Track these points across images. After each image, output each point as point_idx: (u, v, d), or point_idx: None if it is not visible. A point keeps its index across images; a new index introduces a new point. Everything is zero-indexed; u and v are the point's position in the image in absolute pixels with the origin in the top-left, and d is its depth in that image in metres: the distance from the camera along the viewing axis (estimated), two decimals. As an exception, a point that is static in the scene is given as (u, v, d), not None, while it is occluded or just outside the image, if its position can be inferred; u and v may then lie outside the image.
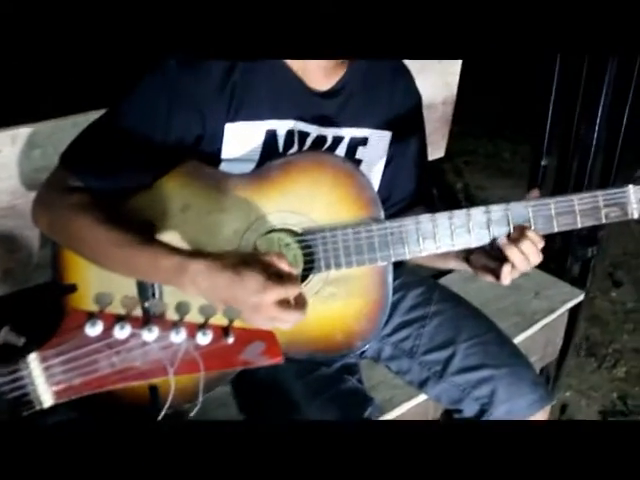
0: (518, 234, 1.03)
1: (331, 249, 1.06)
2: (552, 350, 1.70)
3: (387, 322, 1.29)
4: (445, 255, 1.10)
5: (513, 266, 1.02)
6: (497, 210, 1.04)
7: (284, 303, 0.93)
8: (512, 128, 4.17)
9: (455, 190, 3.58)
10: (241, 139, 1.11)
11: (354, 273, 1.07)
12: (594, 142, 1.73)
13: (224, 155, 1.11)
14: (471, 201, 3.46)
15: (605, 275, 2.91)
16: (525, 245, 1.01)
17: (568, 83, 1.80)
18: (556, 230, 1.04)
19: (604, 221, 1.05)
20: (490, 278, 1.08)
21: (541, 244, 1.02)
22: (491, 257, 1.07)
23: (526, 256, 1.01)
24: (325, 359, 1.13)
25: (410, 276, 1.36)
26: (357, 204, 1.07)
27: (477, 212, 1.04)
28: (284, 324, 0.95)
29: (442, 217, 1.04)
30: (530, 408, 1.20)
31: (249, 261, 0.95)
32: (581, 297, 1.64)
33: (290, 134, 1.13)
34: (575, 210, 1.04)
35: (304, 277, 1.07)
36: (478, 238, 1.05)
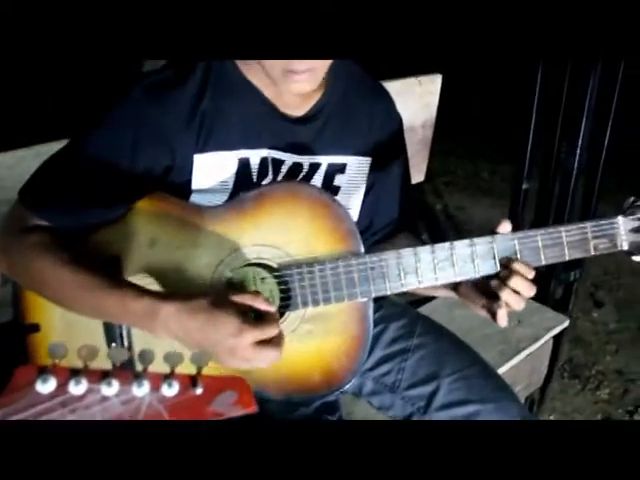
0: (508, 272, 0.98)
1: (308, 285, 1.00)
2: (537, 378, 1.66)
3: (368, 356, 1.24)
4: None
5: (508, 306, 0.98)
6: (482, 243, 1.00)
7: (261, 343, 0.89)
8: (492, 148, 4.19)
9: (435, 211, 3.56)
10: (212, 169, 1.06)
11: (332, 309, 1.02)
12: (575, 166, 1.70)
13: (195, 186, 1.06)
14: (452, 222, 3.45)
15: (587, 296, 2.90)
16: (516, 282, 0.97)
17: (549, 106, 1.78)
18: (543, 263, 1.00)
19: (592, 253, 1.01)
20: (482, 313, 1.04)
21: (532, 275, 0.98)
22: (480, 290, 1.03)
23: (519, 292, 0.97)
24: (303, 400, 1.07)
25: (391, 307, 1.31)
26: (335, 237, 1.02)
27: (461, 245, 1.00)
28: (260, 364, 0.91)
29: (424, 251, 1.00)
30: (518, 446, 1.15)
31: (224, 302, 0.91)
32: (565, 323, 1.61)
33: (264, 163, 1.08)
34: (563, 242, 1.00)
35: (280, 314, 1.02)
36: (462, 272, 1.00)
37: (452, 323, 1.38)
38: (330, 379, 1.03)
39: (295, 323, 1.03)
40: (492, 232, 1.00)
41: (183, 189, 1.05)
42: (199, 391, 0.72)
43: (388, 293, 1.01)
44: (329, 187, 1.16)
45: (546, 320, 1.61)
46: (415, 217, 1.31)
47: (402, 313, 1.31)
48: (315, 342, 1.03)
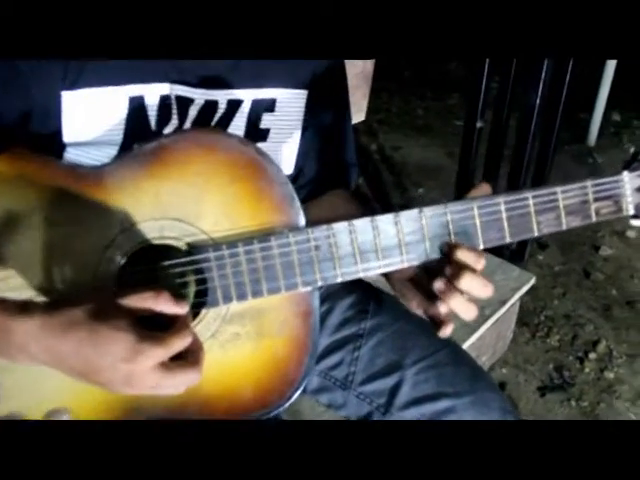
0: (453, 266, 0.75)
1: (231, 273, 0.74)
2: (502, 344, 1.46)
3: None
4: None
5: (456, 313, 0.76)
6: (458, 210, 0.75)
7: (170, 363, 0.66)
8: (425, 84, 3.98)
9: (370, 152, 3.32)
10: (90, 113, 0.77)
11: (265, 304, 0.76)
12: (537, 102, 1.47)
13: (67, 137, 0.78)
14: (388, 163, 3.22)
15: (530, 238, 2.77)
16: (465, 280, 0.74)
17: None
18: (536, 234, 0.77)
19: (594, 219, 0.79)
20: (418, 312, 0.82)
21: (481, 264, 0.75)
22: (414, 283, 0.81)
23: (472, 294, 0.75)
24: (232, 422, 0.82)
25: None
26: (265, 205, 0.75)
27: (433, 212, 0.75)
28: (172, 390, 0.68)
29: (385, 221, 0.74)
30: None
31: (110, 308, 0.64)
32: (532, 281, 1.41)
33: (165, 102, 0.81)
34: (559, 206, 0.77)
35: (194, 314, 0.75)
36: (437, 249, 0.76)
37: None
38: (266, 396, 0.78)
39: (215, 325, 0.76)
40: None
41: (51, 142, 0.77)
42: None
43: (339, 281, 0.75)
44: (255, 131, 0.89)
45: (511, 279, 1.40)
46: (356, 169, 1.06)
47: (350, 288, 1.06)
48: (244, 349, 0.77)
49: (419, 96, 3.91)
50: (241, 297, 0.74)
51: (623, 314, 2.44)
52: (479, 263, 0.74)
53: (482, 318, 1.29)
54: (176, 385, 0.67)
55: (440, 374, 0.96)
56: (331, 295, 1.04)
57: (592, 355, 2.26)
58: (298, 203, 0.76)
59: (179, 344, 0.66)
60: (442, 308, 0.77)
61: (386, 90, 3.84)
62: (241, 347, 0.77)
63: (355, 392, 0.99)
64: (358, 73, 1.56)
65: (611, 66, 3.13)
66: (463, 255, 0.74)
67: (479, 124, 1.61)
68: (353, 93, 1.47)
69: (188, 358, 0.68)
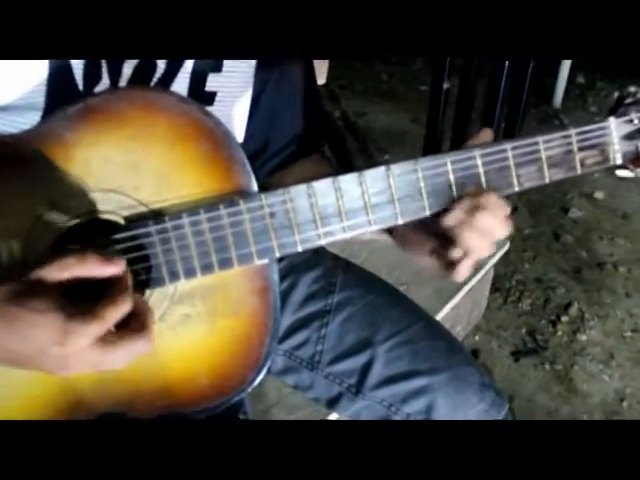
0: (471, 204, 0.67)
1: (176, 247, 0.65)
2: (477, 313, 1.40)
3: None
4: None
5: (468, 253, 0.67)
6: (431, 165, 0.67)
7: (113, 335, 0.59)
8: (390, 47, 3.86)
9: (333, 119, 3.22)
10: (6, 74, 0.67)
11: (217, 281, 0.68)
12: (506, 65, 1.39)
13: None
14: (352, 130, 3.12)
15: (501, 201, 2.73)
16: (484, 220, 0.66)
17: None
18: (516, 189, 0.70)
19: (579, 171, 0.71)
20: (427, 262, 0.72)
21: (506, 210, 0.67)
22: (427, 229, 0.72)
23: (488, 235, 0.66)
24: (187, 413, 0.73)
25: (300, 254, 0.97)
26: (212, 170, 0.66)
27: (401, 169, 0.67)
28: (120, 365, 0.60)
29: (349, 181, 0.66)
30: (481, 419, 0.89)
31: (29, 288, 0.55)
32: (506, 247, 1.34)
33: (93, 61, 0.70)
34: (541, 157, 0.69)
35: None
36: (407, 210, 0.67)
37: (374, 258, 1.07)
38: (225, 381, 0.70)
39: (162, 306, 0.68)
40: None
41: None
42: None
43: (300, 249, 0.67)
44: (200, 94, 0.79)
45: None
46: (327, 134, 0.96)
47: (315, 259, 0.98)
48: (196, 331, 0.68)
49: (383, 60, 3.81)
50: (189, 273, 0.66)
51: (593, 276, 2.42)
52: (504, 208, 0.68)
53: (456, 287, 1.22)
54: (122, 359, 0.59)
55: (414, 350, 0.89)
56: (294, 269, 0.96)
57: (564, 318, 2.24)
58: (249, 166, 0.67)
59: (115, 313, 0.58)
60: (456, 252, 0.69)
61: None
62: (193, 330, 0.68)
63: (323, 372, 0.92)
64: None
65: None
66: (487, 196, 0.67)
67: (446, 85, 1.52)
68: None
69: (131, 325, 0.59)
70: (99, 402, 0.68)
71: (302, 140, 0.91)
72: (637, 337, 2.18)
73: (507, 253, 2.48)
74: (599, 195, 2.84)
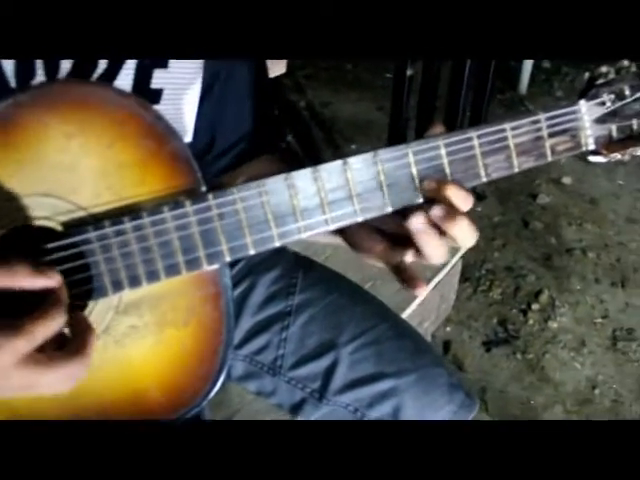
0: (443, 211, 0.61)
1: (119, 255, 0.60)
2: (446, 308, 1.37)
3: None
4: None
5: (425, 260, 0.62)
6: (392, 157, 0.62)
7: (39, 357, 0.52)
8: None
9: (298, 109, 3.17)
10: None
11: (165, 289, 0.62)
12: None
13: None
14: (318, 120, 3.07)
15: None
16: (451, 228, 0.61)
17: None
18: (484, 180, 0.66)
19: (549, 158, 0.67)
20: (378, 264, 0.68)
21: (469, 203, 0.63)
22: (379, 230, 0.67)
23: (451, 236, 0.62)
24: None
25: (258, 254, 0.92)
26: (155, 170, 0.61)
27: (360, 163, 0.62)
28: (54, 389, 0.54)
29: (303, 177, 0.61)
30: (450, 422, 0.85)
31: None
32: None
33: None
34: (509, 145, 0.65)
35: (80, 308, 0.61)
36: (368, 207, 0.63)
37: (339, 256, 1.03)
38: (177, 395, 0.65)
39: (106, 318, 0.62)
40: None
41: None
42: None
43: (252, 252, 0.62)
44: (145, 92, 0.74)
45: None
46: (280, 130, 0.91)
47: (274, 259, 0.93)
48: (144, 344, 0.63)
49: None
50: (134, 282, 0.60)
51: (563, 262, 2.43)
52: (466, 201, 0.62)
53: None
54: (55, 382, 0.53)
55: (379, 351, 0.85)
56: (252, 270, 0.91)
57: (535, 306, 2.24)
58: (195, 164, 0.62)
59: (45, 329, 0.52)
60: (408, 255, 0.64)
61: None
62: (141, 342, 0.63)
63: (285, 377, 0.88)
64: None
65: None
66: (452, 188, 0.61)
67: (409, 72, 1.48)
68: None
69: (67, 345, 0.54)
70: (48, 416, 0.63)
71: (253, 138, 0.85)
72: (607, 323, 2.19)
73: (476, 242, 2.48)
74: (567, 180, 2.84)
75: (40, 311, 0.53)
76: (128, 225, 0.59)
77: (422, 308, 1.18)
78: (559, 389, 1.98)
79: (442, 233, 0.61)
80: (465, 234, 0.60)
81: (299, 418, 0.91)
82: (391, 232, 0.65)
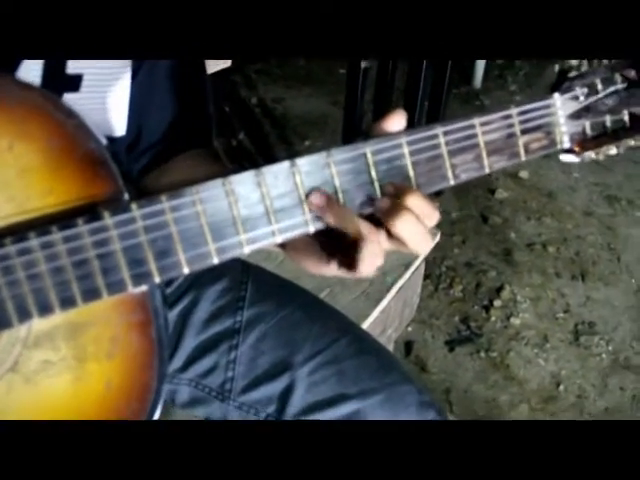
0: (393, 205, 0.54)
1: (24, 278, 0.50)
2: (409, 312, 1.30)
3: (174, 349, 0.77)
4: None
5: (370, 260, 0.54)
6: (347, 156, 0.54)
7: None
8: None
9: (250, 106, 3.06)
10: None
11: (84, 318, 0.53)
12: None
13: None
14: (271, 116, 2.98)
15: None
16: (405, 222, 0.53)
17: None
18: (451, 183, 0.58)
19: (523, 158, 0.60)
20: (321, 269, 0.60)
21: (434, 215, 0.55)
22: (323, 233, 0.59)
23: (404, 242, 0.54)
24: None
25: None
26: (65, 174, 0.51)
27: (309, 164, 0.53)
28: None
29: (246, 181, 0.52)
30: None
31: None
32: (437, 238, 1.24)
33: None
34: (479, 143, 0.57)
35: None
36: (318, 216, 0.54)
37: (288, 271, 0.94)
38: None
39: (14, 353, 0.52)
40: (366, 135, 0.54)
41: None
42: None
43: (186, 271, 0.53)
44: (59, 78, 0.64)
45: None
46: (211, 123, 0.81)
47: (220, 270, 0.84)
48: (61, 381, 0.53)
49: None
50: (45, 310, 0.50)
51: (524, 257, 2.40)
52: (429, 210, 0.54)
53: (385, 287, 1.11)
54: None
55: (340, 370, 0.77)
56: (195, 283, 0.82)
57: (497, 302, 2.21)
58: (116, 169, 0.52)
59: None
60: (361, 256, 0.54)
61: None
62: (57, 379, 0.53)
63: (236, 402, 0.79)
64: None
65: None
66: (413, 196, 0.54)
67: (364, 64, 1.41)
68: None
69: None
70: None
71: (180, 132, 0.76)
72: (569, 318, 2.17)
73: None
74: (524, 174, 2.82)
75: None
76: (35, 242, 0.49)
77: (384, 315, 1.11)
78: (524, 387, 1.95)
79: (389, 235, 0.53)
80: (418, 236, 0.52)
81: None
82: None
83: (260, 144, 2.72)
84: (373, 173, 0.54)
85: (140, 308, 0.54)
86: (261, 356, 0.78)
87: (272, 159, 0.53)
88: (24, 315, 0.51)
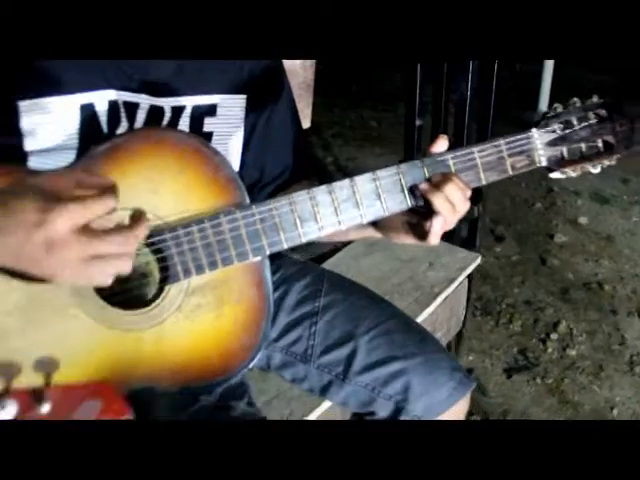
0: (440, 177, 0.85)
1: (187, 250, 0.82)
2: (456, 321, 1.56)
3: (272, 325, 1.08)
4: None
5: (440, 216, 0.85)
6: (387, 175, 0.85)
7: (92, 229, 0.68)
8: (373, 96, 4.07)
9: (326, 165, 3.41)
10: (47, 121, 0.84)
11: (222, 276, 0.85)
12: (468, 93, 1.59)
13: (29, 146, 0.84)
14: (344, 173, 3.31)
15: (487, 232, 2.88)
16: (450, 189, 0.84)
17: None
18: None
19: (510, 173, 0.89)
20: (409, 239, 0.90)
21: (468, 191, 0.85)
22: (405, 213, 0.89)
23: (453, 204, 0.84)
24: (202, 389, 0.90)
25: (291, 267, 1.15)
26: (212, 189, 0.84)
27: (363, 181, 0.85)
28: (103, 273, 0.70)
29: (321, 192, 0.84)
30: (451, 397, 1.03)
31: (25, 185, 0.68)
32: (478, 260, 1.51)
33: (114, 108, 0.88)
34: (477, 164, 0.87)
35: (159, 290, 0.83)
36: (369, 212, 0.85)
37: (360, 275, 1.24)
38: (230, 359, 0.86)
39: (179, 298, 0.84)
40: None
41: (13, 152, 0.83)
42: (46, 409, 0.53)
43: (285, 247, 0.84)
44: (198, 133, 0.97)
45: (458, 260, 1.50)
46: (309, 163, 1.14)
47: (304, 271, 1.15)
48: (207, 317, 0.85)
49: (371, 108, 4.02)
50: (199, 270, 0.83)
51: (580, 295, 2.52)
52: (465, 188, 0.85)
53: (432, 296, 1.39)
54: (106, 262, 0.68)
55: (391, 340, 1.05)
56: (286, 279, 1.13)
57: (553, 336, 2.33)
58: (242, 185, 0.85)
59: (96, 204, 0.67)
60: (428, 222, 0.85)
61: (337, 105, 3.95)
62: (204, 316, 0.85)
63: (315, 364, 1.08)
64: (300, 82, 1.65)
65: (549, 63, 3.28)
66: (453, 176, 0.85)
67: (418, 122, 1.72)
68: (297, 102, 1.57)
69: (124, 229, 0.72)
70: (134, 372, 0.83)
71: (292, 169, 1.08)
72: (624, 350, 2.27)
73: (496, 279, 2.63)
74: (582, 220, 2.96)
75: (96, 194, 0.71)
76: (194, 228, 0.82)
77: (433, 319, 1.37)
78: (578, 410, 2.05)
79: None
80: (456, 197, 0.84)
81: (327, 398, 1.10)
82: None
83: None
84: (403, 183, 0.85)
85: (257, 272, 0.85)
86: (333, 330, 1.08)
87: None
88: (187, 273, 0.83)
